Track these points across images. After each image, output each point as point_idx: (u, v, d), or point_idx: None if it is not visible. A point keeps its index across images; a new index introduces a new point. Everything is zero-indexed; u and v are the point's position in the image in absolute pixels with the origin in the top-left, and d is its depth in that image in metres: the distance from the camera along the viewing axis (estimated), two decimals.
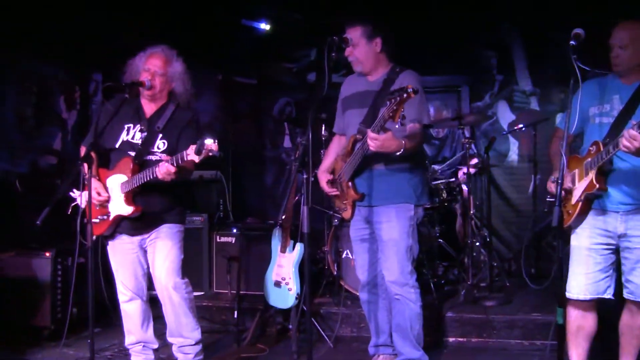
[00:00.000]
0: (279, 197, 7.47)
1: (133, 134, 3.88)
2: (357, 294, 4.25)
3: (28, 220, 3.80)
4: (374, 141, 3.46)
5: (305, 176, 3.34)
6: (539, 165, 6.07)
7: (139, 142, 3.85)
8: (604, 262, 3.35)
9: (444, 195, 5.63)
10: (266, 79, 7.75)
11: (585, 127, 3.46)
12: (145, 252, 3.95)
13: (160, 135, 3.87)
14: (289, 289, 4.54)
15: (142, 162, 3.79)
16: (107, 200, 3.82)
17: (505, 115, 6.99)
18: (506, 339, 4.60)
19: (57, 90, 6.01)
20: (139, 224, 3.84)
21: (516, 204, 6.87)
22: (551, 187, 3.41)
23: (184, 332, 3.95)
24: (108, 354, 4.56)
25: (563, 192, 3.00)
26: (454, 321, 4.73)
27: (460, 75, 7.13)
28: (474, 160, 5.53)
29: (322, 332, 4.79)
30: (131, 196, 3.78)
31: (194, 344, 3.98)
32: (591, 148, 3.28)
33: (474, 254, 5.30)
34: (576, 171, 3.34)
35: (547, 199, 3.44)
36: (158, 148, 3.85)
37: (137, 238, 3.90)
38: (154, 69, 3.86)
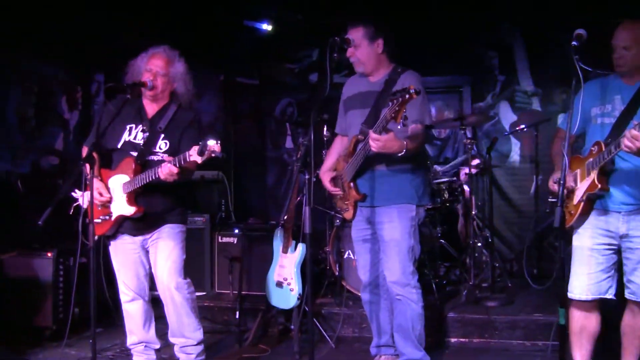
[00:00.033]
0: (280, 198, 7.47)
1: (135, 134, 3.88)
2: (359, 294, 4.26)
3: (30, 220, 3.79)
4: (376, 142, 3.47)
5: (307, 177, 3.35)
6: (541, 165, 6.06)
7: (141, 142, 3.85)
8: (606, 263, 3.35)
9: (446, 195, 5.64)
10: (268, 80, 7.76)
11: (587, 128, 3.46)
12: (147, 252, 3.95)
13: (162, 136, 3.87)
14: (291, 290, 4.55)
15: (144, 163, 3.80)
16: (109, 201, 3.83)
17: (507, 116, 6.99)
18: (508, 339, 4.60)
19: (59, 90, 6.01)
20: (141, 224, 3.84)
21: (518, 204, 6.86)
22: (553, 186, 3.41)
23: (186, 332, 3.96)
24: (110, 354, 4.55)
25: (565, 191, 3.00)
26: (456, 322, 4.73)
27: (462, 76, 7.13)
28: (476, 161, 5.53)
29: (324, 333, 4.78)
30: (133, 196, 3.78)
31: (196, 344, 3.99)
32: (593, 148, 3.28)
33: (476, 255, 5.29)
34: (578, 171, 3.34)
35: (549, 200, 3.45)
36: (160, 148, 3.86)
37: (139, 238, 3.91)
38: (156, 70, 3.86)
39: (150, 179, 3.65)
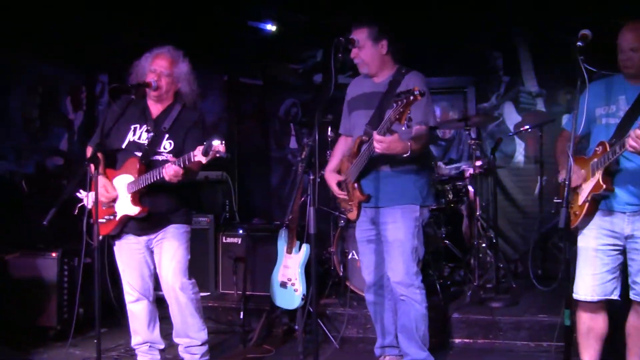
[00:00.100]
0: (284, 198, 7.46)
1: (139, 134, 3.88)
2: (363, 295, 4.25)
3: (34, 220, 3.81)
4: (380, 144, 3.46)
5: (311, 177, 3.35)
6: (545, 166, 6.05)
7: (146, 142, 3.85)
8: (611, 263, 3.34)
9: (450, 196, 5.63)
10: (272, 80, 7.75)
11: (591, 128, 3.45)
12: (151, 252, 3.96)
13: (167, 136, 3.87)
14: (295, 290, 4.55)
15: (148, 163, 3.80)
16: (115, 199, 3.83)
17: (511, 117, 6.97)
18: (512, 340, 4.59)
19: (63, 91, 6.03)
20: (146, 224, 3.85)
21: (522, 205, 6.84)
22: (561, 175, 3.39)
23: (191, 332, 3.96)
24: (114, 354, 4.56)
25: (572, 184, 2.99)
26: (460, 322, 4.72)
27: (467, 77, 7.11)
28: (480, 162, 5.52)
29: (328, 333, 4.78)
30: (138, 196, 3.79)
31: (200, 345, 3.99)
32: (597, 148, 3.28)
33: (480, 255, 5.29)
34: (582, 172, 3.33)
35: (554, 200, 3.43)
36: (164, 148, 3.86)
37: (144, 238, 3.91)
38: (160, 70, 3.87)
39: (155, 179, 3.65)
